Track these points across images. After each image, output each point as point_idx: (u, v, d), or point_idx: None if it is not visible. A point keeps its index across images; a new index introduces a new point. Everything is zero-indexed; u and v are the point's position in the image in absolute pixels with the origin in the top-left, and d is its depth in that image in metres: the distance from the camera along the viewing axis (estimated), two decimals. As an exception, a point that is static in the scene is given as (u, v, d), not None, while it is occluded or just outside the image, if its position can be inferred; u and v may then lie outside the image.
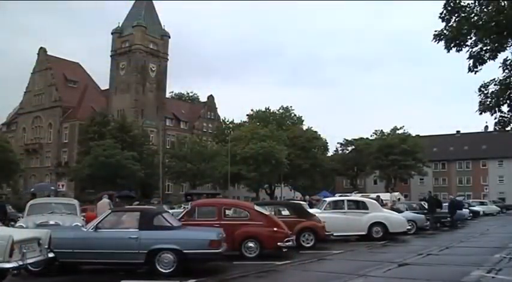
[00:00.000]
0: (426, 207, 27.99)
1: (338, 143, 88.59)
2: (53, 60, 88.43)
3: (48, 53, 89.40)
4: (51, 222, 14.68)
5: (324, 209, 20.26)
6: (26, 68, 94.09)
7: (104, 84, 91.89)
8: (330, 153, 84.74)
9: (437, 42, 15.41)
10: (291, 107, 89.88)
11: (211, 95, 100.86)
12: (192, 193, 42.95)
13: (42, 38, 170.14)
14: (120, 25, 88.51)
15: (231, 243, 12.65)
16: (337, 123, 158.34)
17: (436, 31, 15.42)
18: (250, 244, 13.74)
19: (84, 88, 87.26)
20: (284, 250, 14.08)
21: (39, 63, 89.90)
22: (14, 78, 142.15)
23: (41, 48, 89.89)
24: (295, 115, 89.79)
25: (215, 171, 65.08)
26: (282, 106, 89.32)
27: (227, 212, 14.64)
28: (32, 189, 25.93)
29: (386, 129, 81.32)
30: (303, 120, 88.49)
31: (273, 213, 16.07)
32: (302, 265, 13.26)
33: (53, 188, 25.66)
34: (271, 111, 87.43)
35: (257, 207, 15.09)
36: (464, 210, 32.72)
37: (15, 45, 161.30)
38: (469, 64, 15.33)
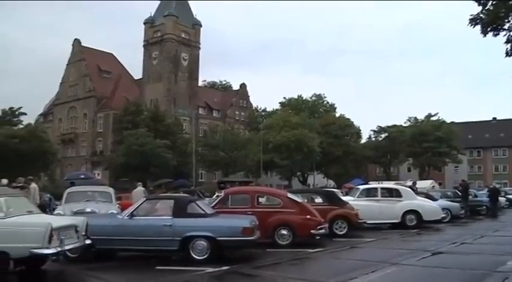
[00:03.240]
0: (460, 195, 27.55)
1: (371, 130, 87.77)
2: (87, 52, 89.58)
3: (82, 44, 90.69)
4: (88, 210, 14.91)
5: (357, 197, 20.14)
6: (62, 60, 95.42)
7: (137, 74, 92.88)
8: (363, 141, 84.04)
9: (473, 27, 15.00)
10: (323, 94, 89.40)
11: (243, 83, 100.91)
12: (225, 181, 42.94)
13: (77, 29, 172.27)
14: (152, 15, 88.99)
15: (264, 230, 12.65)
16: (370, 111, 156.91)
17: (471, 15, 15.03)
18: (283, 231, 13.74)
19: (118, 78, 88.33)
20: (317, 238, 14.05)
21: (73, 55, 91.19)
22: (50, 70, 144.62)
23: (75, 39, 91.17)
24: (327, 103, 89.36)
25: (247, 159, 65.20)
26: (314, 94, 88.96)
27: (260, 199, 14.65)
28: (65, 178, 26.41)
29: (420, 116, 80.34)
30: (335, 108, 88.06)
31: (305, 200, 16.01)
32: (334, 253, 13.25)
33: (83, 176, 26.01)
34: (304, 98, 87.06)
35: (290, 195, 15.07)
36: (500, 198, 32.13)
37: (51, 38, 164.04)
38: (507, 49, 14.91)
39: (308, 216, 14.00)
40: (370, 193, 20.62)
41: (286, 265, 11.42)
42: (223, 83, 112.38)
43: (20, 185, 17.19)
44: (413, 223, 19.50)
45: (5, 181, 18.07)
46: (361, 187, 22.77)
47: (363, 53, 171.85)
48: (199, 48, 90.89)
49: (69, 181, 23.99)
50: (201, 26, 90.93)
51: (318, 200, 17.56)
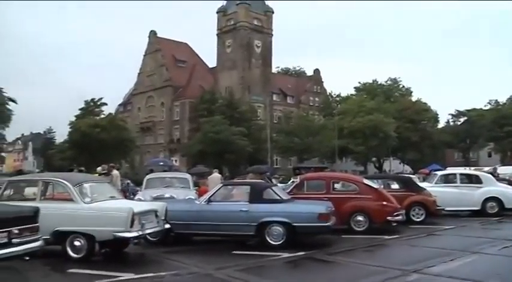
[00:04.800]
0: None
1: (449, 114, 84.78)
2: (163, 42, 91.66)
3: (158, 35, 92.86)
4: (167, 196, 15.31)
5: (435, 183, 19.55)
6: (139, 51, 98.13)
7: (211, 62, 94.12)
8: (440, 125, 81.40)
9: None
10: (399, 78, 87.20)
11: (317, 69, 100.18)
12: (300, 167, 42.98)
13: (153, 20, 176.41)
14: (224, 4, 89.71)
15: (340, 216, 12.57)
16: (448, 94, 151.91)
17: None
18: (359, 218, 13.60)
19: (193, 67, 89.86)
20: (393, 224, 13.82)
21: (150, 46, 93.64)
22: (128, 62, 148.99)
23: (151, 31, 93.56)
24: (403, 86, 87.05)
25: (322, 145, 64.85)
26: (389, 78, 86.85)
27: (336, 185, 14.57)
28: (145, 164, 27.34)
29: (502, 99, 76.80)
30: (411, 92, 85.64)
31: (382, 186, 15.76)
32: (411, 240, 13.01)
33: (161, 163, 26.78)
34: (379, 83, 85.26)
35: (366, 181, 14.86)
36: None
37: (128, 30, 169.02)
38: None
39: (384, 203, 13.78)
40: (448, 179, 19.92)
41: (362, 252, 11.34)
42: (297, 68, 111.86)
43: (103, 172, 17.93)
44: (495, 211, 18.63)
45: (100, 169, 18.88)
46: (439, 173, 22.05)
47: (439, 35, 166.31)
48: (272, 34, 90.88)
49: (149, 168, 24.83)
50: (273, 12, 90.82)
51: (395, 186, 17.28)
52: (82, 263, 8.95)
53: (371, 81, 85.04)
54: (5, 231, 7.03)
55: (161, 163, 28.06)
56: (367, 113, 63.03)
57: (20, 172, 19.91)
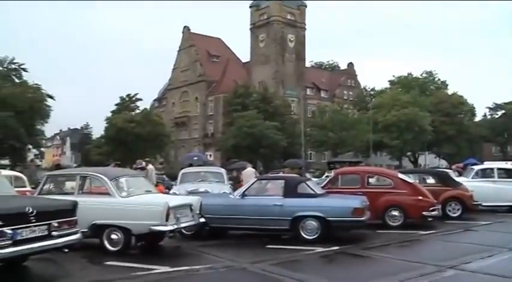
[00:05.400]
0: None
1: (486, 107, 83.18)
2: (196, 38, 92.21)
3: (192, 31, 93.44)
4: (201, 190, 15.37)
5: (472, 178, 19.17)
6: (173, 47, 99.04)
7: (244, 57, 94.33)
8: (477, 119, 79.90)
9: None
10: (434, 71, 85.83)
11: (351, 63, 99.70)
12: (334, 161, 42.79)
13: (187, 16, 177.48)
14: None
15: (374, 211, 12.45)
16: (485, 87, 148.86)
17: None
18: (394, 213, 13.46)
19: (226, 62, 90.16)
20: (429, 219, 13.65)
21: (184, 41, 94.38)
22: (163, 57, 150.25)
23: (185, 27, 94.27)
24: (439, 79, 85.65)
25: (356, 139, 64.46)
26: (425, 71, 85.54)
27: (370, 180, 14.48)
28: (196, 158, 27.54)
29: (542, 91, 74.90)
30: (447, 85, 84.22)
31: (417, 181, 15.59)
32: (447, 235, 12.83)
33: (196, 158, 26.92)
34: (414, 76, 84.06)
35: (401, 175, 14.72)
36: None
37: (163, 26, 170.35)
38: None
39: (420, 197, 13.62)
40: (485, 174, 19.49)
41: (397, 247, 11.24)
42: (331, 62, 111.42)
43: (139, 166, 18.17)
44: (534, 207, 18.26)
45: (139, 161, 19.10)
46: (476, 167, 21.63)
47: (477, 26, 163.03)
48: (305, 28, 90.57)
49: (187, 162, 25.03)
50: (306, 6, 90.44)
51: (430, 180, 17.03)
52: (119, 255, 9.11)
53: (406, 75, 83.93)
54: (45, 224, 7.19)
55: (195, 158, 28.21)
56: (402, 106, 62.36)
57: (58, 166, 20.28)
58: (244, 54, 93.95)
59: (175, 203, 9.80)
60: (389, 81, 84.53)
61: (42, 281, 7.61)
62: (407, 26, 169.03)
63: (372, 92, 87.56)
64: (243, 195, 11.83)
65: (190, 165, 21.91)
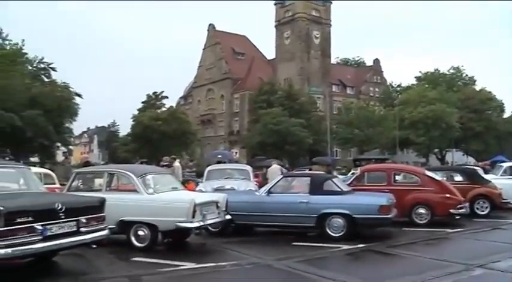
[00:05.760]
0: None
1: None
2: (221, 35, 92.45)
3: (217, 28, 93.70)
4: (227, 187, 15.44)
5: (500, 175, 18.82)
6: (198, 45, 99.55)
7: (269, 54, 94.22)
8: (506, 115, 78.45)
9: None
10: (462, 67, 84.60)
11: (377, 59, 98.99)
12: (360, 158, 42.57)
13: (211, 14, 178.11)
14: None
15: (401, 209, 12.37)
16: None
17: None
18: (421, 210, 13.36)
19: (251, 59, 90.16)
20: (456, 217, 13.53)
21: (209, 39, 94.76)
22: (188, 56, 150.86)
23: (210, 24, 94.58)
24: (466, 75, 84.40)
25: (383, 136, 63.99)
26: (452, 66, 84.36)
27: (397, 177, 14.36)
28: (220, 156, 27.76)
29: None
30: (475, 81, 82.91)
31: (444, 178, 15.40)
32: (475, 234, 12.65)
33: (220, 156, 27.03)
34: (441, 72, 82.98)
35: (428, 173, 14.58)
36: None
37: (188, 25, 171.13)
38: None
39: (447, 195, 13.48)
40: (515, 171, 19.20)
41: (423, 245, 11.13)
42: (356, 59, 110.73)
43: (165, 163, 18.33)
44: None
45: (166, 158, 19.30)
46: (505, 164, 21.25)
47: (505, 20, 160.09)
48: (331, 25, 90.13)
49: (216, 160, 25.25)
50: (331, 2, 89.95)
51: (458, 178, 16.77)
52: (145, 251, 9.21)
53: (433, 71, 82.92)
54: (74, 221, 7.31)
55: (219, 156, 28.38)
56: (428, 103, 61.57)
57: (87, 164, 20.65)
58: (269, 51, 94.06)
59: (202, 200, 9.87)
60: (415, 77, 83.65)
61: (71, 276, 7.72)
62: (435, 21, 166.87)
63: (398, 89, 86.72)
64: (269, 192, 11.85)
65: (219, 162, 22.08)
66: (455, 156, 70.06)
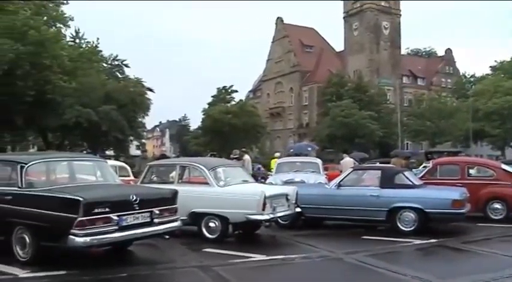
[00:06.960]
0: None
1: None
2: (289, 28, 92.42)
3: (285, 22, 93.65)
4: (297, 180, 15.45)
5: None
6: (267, 38, 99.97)
7: (338, 46, 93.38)
8: None
9: None
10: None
11: (449, 48, 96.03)
12: (432, 151, 41.45)
13: (279, 7, 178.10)
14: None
15: (475, 203, 12.01)
16: None
17: None
18: (496, 205, 12.88)
19: (320, 52, 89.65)
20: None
21: (277, 32, 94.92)
22: (257, 50, 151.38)
23: (278, 18, 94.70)
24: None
25: (455, 128, 62.23)
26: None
27: (471, 171, 13.92)
28: (291, 150, 27.82)
29: None
30: (554, 69, 79.02)
31: (522, 172, 14.82)
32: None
33: (309, 149, 26.99)
34: (519, 61, 79.46)
35: (504, 166, 14.04)
36: None
37: (258, 19, 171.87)
38: None
39: (525, 190, 12.96)
40: None
41: (499, 241, 10.71)
42: (427, 49, 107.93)
43: (235, 156, 18.56)
44: None
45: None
46: None
47: None
48: (400, 15, 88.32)
49: (293, 152, 25.46)
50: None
51: (537, 172, 16.12)
52: (216, 243, 9.38)
53: (509, 60, 79.58)
54: (148, 212, 7.57)
55: (291, 150, 28.45)
56: (504, 93, 59.16)
57: (163, 156, 21.37)
58: (338, 43, 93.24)
59: (272, 192, 9.94)
60: (490, 67, 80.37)
61: (147, 265, 7.97)
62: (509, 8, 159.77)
63: (471, 79, 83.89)
64: (339, 185, 11.78)
65: (297, 155, 22.35)
66: (534, 149, 67.09)
